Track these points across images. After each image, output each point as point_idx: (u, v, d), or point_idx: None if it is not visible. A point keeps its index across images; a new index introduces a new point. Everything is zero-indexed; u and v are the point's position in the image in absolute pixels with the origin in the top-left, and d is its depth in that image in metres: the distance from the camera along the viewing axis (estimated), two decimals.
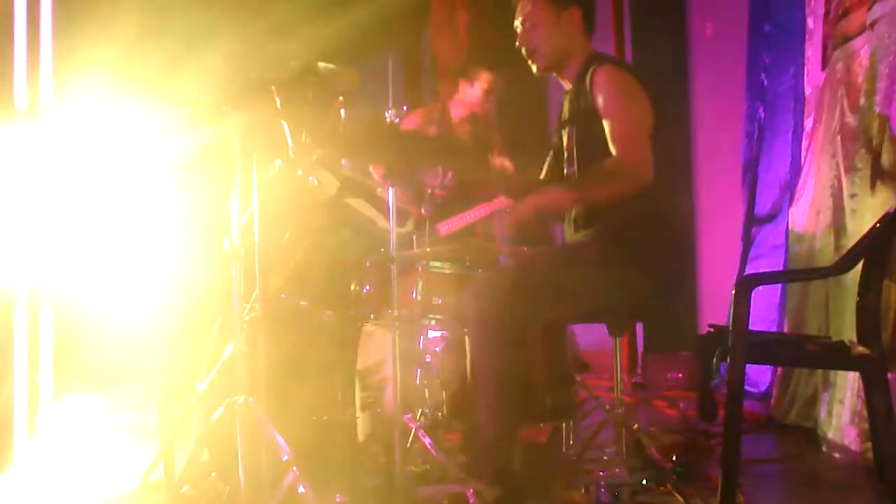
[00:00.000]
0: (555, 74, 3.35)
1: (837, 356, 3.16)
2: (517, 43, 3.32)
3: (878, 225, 3.07)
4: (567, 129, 3.32)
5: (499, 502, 2.85)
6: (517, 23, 3.31)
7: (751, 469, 3.46)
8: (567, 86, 3.34)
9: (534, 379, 3.18)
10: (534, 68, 3.33)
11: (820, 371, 3.97)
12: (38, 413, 4.64)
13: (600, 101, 3.10)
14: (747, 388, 4.65)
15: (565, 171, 3.34)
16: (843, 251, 3.61)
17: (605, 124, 3.06)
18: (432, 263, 3.38)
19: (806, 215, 4.43)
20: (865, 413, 3.36)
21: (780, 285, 4.80)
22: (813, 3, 4.55)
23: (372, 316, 3.32)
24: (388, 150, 3.04)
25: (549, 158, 3.48)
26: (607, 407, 3.48)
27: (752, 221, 5.27)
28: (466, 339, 3.46)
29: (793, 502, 3.38)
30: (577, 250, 3.23)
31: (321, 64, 3.20)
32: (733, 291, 3.02)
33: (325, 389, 3.25)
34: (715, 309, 5.52)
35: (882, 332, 3.09)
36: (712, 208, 5.90)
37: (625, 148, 3.02)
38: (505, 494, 2.91)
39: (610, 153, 3.05)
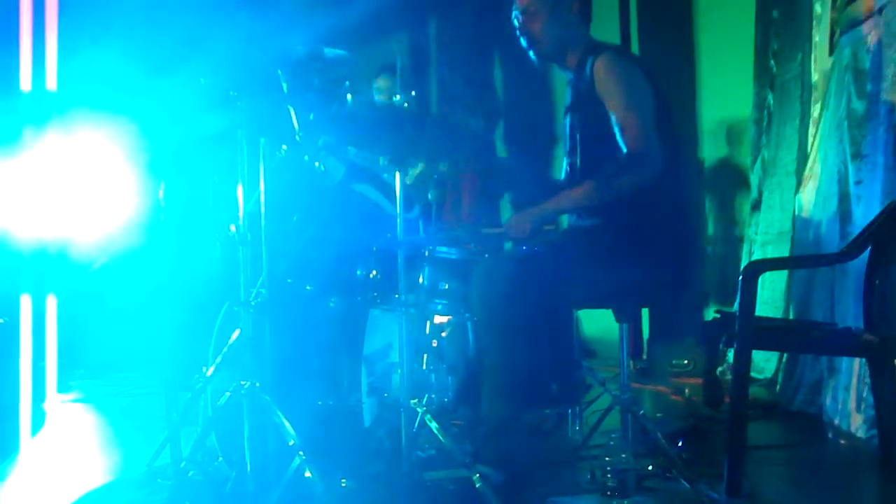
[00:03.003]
0: (556, 64, 3.34)
1: (843, 342, 3.16)
2: (517, 31, 3.31)
3: (884, 211, 3.07)
4: (569, 117, 3.32)
5: (505, 487, 2.86)
6: (517, 12, 3.31)
7: (756, 455, 3.46)
8: (568, 75, 3.34)
9: (540, 364, 3.18)
10: (533, 57, 3.33)
11: (825, 357, 3.97)
12: (44, 399, 4.66)
13: (602, 89, 3.10)
14: (753, 374, 4.65)
15: (567, 159, 3.34)
16: (850, 238, 3.61)
17: (611, 116, 3.06)
18: (439, 248, 3.39)
19: (812, 202, 4.42)
20: (871, 399, 3.36)
21: (786, 271, 4.79)
22: None
23: (378, 301, 3.32)
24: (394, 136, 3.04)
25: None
26: (613, 393, 3.48)
27: (759, 208, 5.27)
28: (469, 324, 3.47)
29: (798, 489, 3.38)
30: (584, 237, 3.23)
31: (328, 49, 3.20)
32: (740, 278, 3.02)
33: (331, 374, 3.26)
34: (721, 295, 5.52)
35: (888, 319, 3.09)
36: (720, 195, 5.89)
37: (631, 140, 3.02)
38: (511, 480, 2.92)
39: (611, 139, 3.05)
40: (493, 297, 2.96)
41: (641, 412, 3.37)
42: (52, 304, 4.96)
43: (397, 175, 2.99)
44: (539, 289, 2.98)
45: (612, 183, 3.03)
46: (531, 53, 3.32)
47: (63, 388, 5.36)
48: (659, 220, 3.10)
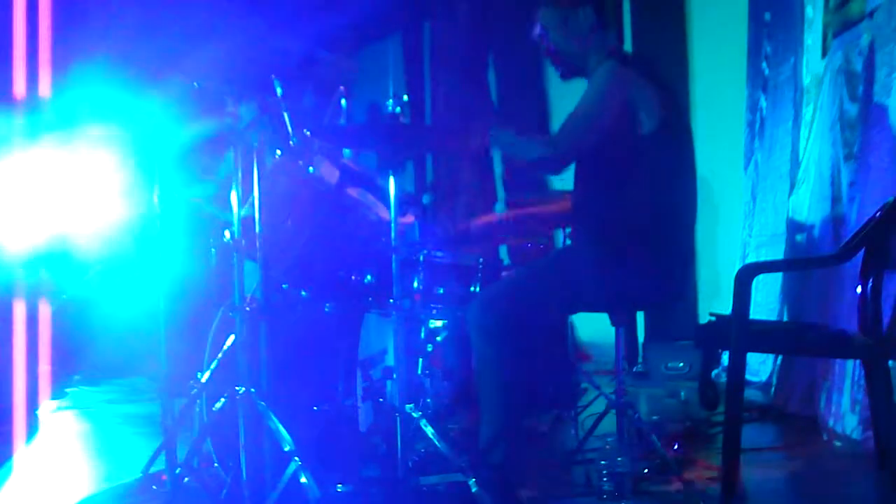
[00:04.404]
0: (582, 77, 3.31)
1: (838, 344, 3.17)
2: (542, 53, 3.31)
3: (878, 214, 3.08)
4: None
5: (501, 492, 2.86)
6: (536, 33, 3.30)
7: (752, 458, 3.46)
8: None
9: (536, 370, 3.18)
10: (559, 75, 3.33)
11: (820, 360, 3.97)
12: (38, 406, 4.65)
13: None
14: (748, 377, 4.65)
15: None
16: (843, 240, 3.62)
17: None
18: (433, 253, 3.39)
19: (806, 204, 4.43)
20: (866, 401, 3.37)
21: (780, 274, 4.80)
22: None
23: (373, 305, 3.32)
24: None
25: None
26: (609, 396, 3.48)
27: (753, 210, 5.28)
28: (463, 324, 3.46)
29: (794, 490, 3.39)
30: (576, 253, 3.23)
31: (322, 53, 3.20)
32: (734, 280, 3.02)
33: (326, 379, 3.25)
34: (715, 297, 5.52)
35: (881, 321, 3.10)
36: (713, 197, 5.90)
37: (558, 133, 3.05)
38: (507, 484, 2.91)
39: (604, 146, 3.04)
40: (488, 322, 2.97)
41: (637, 415, 3.38)
42: (45, 310, 4.94)
43: (391, 180, 2.99)
44: (535, 307, 2.99)
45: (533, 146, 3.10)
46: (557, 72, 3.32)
47: (57, 394, 5.34)
48: (652, 234, 3.08)
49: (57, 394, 5.33)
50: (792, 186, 4.69)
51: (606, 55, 3.17)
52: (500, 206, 6.48)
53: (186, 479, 3.07)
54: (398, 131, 3.00)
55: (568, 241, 3.53)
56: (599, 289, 3.05)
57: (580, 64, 3.23)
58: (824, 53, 4.33)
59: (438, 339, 3.50)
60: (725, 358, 3.12)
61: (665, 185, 3.08)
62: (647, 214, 3.04)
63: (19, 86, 4.29)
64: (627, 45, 6.46)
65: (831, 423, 3.75)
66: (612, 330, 3.43)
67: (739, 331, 3.00)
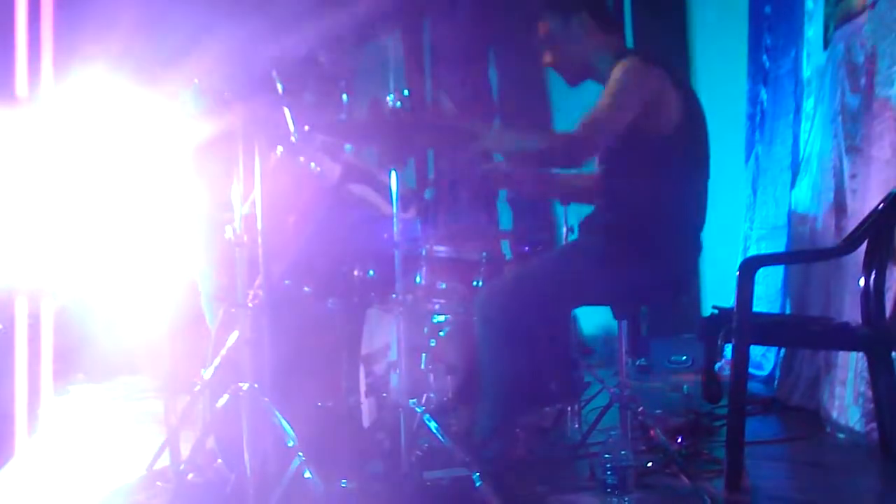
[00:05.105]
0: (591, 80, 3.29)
1: (842, 337, 3.18)
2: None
3: (880, 206, 3.08)
4: None
5: (504, 486, 2.86)
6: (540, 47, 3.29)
7: (755, 450, 3.46)
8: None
9: (539, 364, 3.19)
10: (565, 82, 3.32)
11: (823, 352, 3.97)
12: (40, 404, 4.65)
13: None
14: (751, 370, 4.65)
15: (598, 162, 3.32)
16: (845, 232, 3.62)
17: None
18: (436, 248, 3.39)
19: (807, 196, 4.43)
20: (869, 393, 3.37)
21: (781, 266, 4.80)
22: None
23: (376, 301, 3.32)
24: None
25: None
26: (612, 390, 3.49)
27: (754, 203, 5.28)
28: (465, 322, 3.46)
29: (797, 483, 3.39)
30: (581, 248, 3.23)
31: (323, 50, 3.20)
32: (737, 273, 3.02)
33: (329, 375, 3.25)
34: (718, 290, 5.52)
35: (885, 313, 3.10)
36: (714, 190, 5.89)
37: (581, 124, 2.98)
38: (511, 478, 2.92)
39: (635, 142, 3.02)
40: (492, 315, 2.97)
41: (640, 409, 3.37)
42: (48, 308, 4.94)
43: (393, 175, 2.99)
44: (538, 301, 2.99)
45: (562, 141, 3.03)
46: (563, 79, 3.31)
47: (60, 392, 5.34)
48: (659, 231, 3.08)
49: (59, 392, 5.33)
50: (793, 179, 4.69)
51: (617, 54, 3.16)
52: (501, 203, 6.49)
53: (190, 475, 3.08)
54: (399, 126, 3.00)
55: (570, 237, 3.52)
56: (607, 284, 3.05)
57: (585, 69, 3.22)
58: (826, 45, 4.33)
59: (441, 334, 3.50)
60: (728, 351, 3.12)
61: (679, 186, 3.07)
62: (660, 213, 3.03)
63: (21, 85, 4.29)
64: (628, 37, 6.45)
65: (835, 415, 3.75)
66: (615, 323, 3.43)
67: (742, 324, 3.00)
